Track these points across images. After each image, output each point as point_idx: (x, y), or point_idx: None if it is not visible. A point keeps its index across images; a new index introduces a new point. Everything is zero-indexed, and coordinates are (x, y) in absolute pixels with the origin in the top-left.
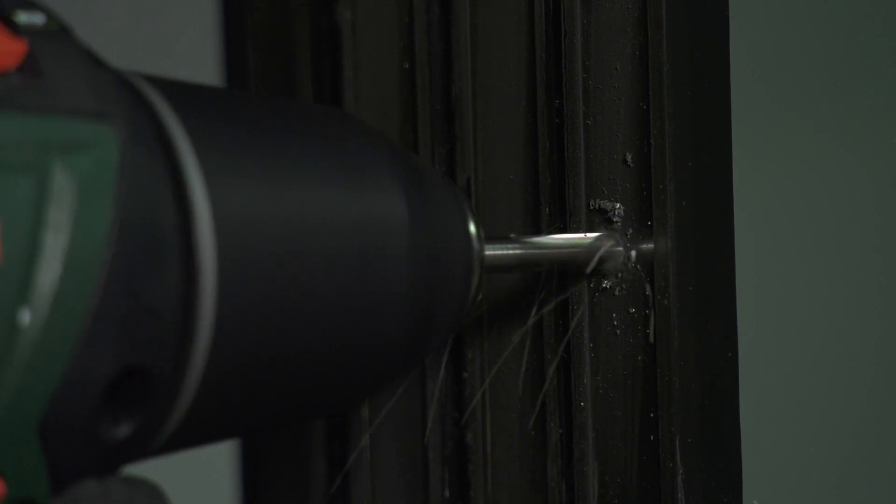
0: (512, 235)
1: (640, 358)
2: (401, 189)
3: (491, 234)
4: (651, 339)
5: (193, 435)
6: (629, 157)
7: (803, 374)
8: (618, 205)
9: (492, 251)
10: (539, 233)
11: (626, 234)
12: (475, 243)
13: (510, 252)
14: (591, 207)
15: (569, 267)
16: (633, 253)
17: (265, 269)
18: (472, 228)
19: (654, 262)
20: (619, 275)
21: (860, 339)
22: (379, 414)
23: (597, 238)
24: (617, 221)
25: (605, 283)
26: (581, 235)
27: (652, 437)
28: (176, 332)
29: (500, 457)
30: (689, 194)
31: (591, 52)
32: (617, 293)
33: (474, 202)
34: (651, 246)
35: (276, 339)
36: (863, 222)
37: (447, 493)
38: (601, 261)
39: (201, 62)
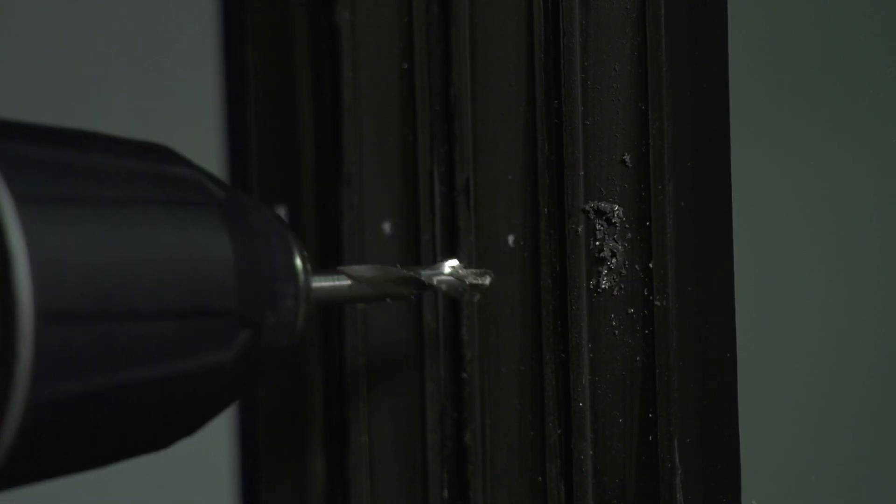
0: (340, 268)
1: (638, 358)
2: (223, 226)
3: (318, 269)
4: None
5: (15, 478)
6: (628, 158)
7: (802, 374)
8: (616, 206)
9: (319, 284)
10: (537, 230)
11: (466, 266)
12: (301, 277)
13: (337, 284)
14: (590, 208)
15: (400, 300)
16: (474, 283)
17: (85, 312)
18: (298, 263)
19: (654, 263)
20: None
21: (859, 339)
22: (378, 414)
23: (429, 270)
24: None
25: (604, 284)
26: (413, 269)
27: (651, 438)
28: None
29: (499, 457)
30: (688, 195)
31: (590, 53)
32: (615, 293)
33: (473, 203)
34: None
35: (96, 382)
36: (862, 222)
37: (446, 494)
38: (440, 291)
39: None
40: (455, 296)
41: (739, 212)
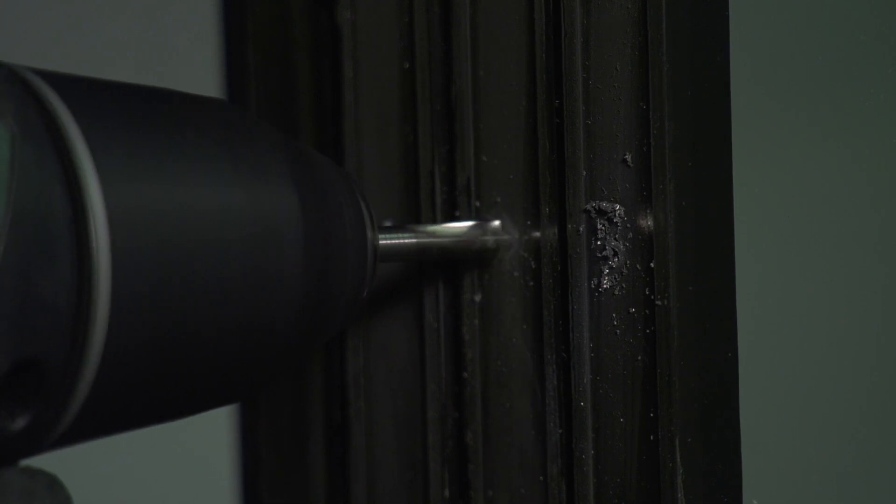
0: (405, 225)
1: (639, 358)
2: (292, 180)
3: (384, 224)
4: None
5: (91, 427)
6: (629, 158)
7: (803, 374)
8: (617, 205)
9: (385, 240)
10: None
11: (525, 223)
12: (368, 232)
13: (403, 241)
14: (591, 208)
15: (462, 255)
16: (525, 240)
17: (158, 260)
18: (366, 218)
19: (655, 263)
20: (516, 262)
21: (859, 339)
22: (379, 413)
23: (483, 226)
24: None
25: (606, 283)
26: (471, 224)
27: (652, 437)
28: (70, 325)
29: (500, 456)
30: (689, 194)
31: (591, 53)
32: (617, 293)
33: (474, 202)
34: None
35: (171, 327)
36: (863, 223)
37: (447, 493)
38: (495, 249)
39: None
40: (511, 255)
41: (740, 211)
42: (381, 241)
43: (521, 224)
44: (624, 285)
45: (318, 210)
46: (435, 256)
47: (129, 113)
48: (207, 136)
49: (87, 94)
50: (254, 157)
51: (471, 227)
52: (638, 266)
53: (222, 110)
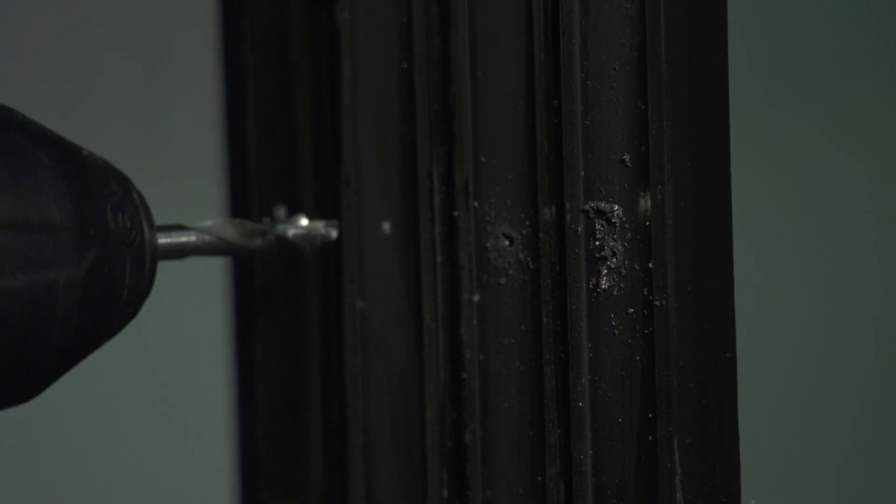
0: (187, 224)
1: (638, 358)
2: (64, 184)
3: (163, 224)
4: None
5: None
6: (627, 158)
7: (802, 374)
8: (616, 206)
9: (164, 239)
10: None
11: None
12: (146, 231)
13: (182, 240)
14: (590, 208)
15: (250, 255)
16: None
17: None
18: (142, 217)
19: (653, 263)
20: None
21: (859, 339)
22: (377, 414)
23: (244, 224)
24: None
25: (604, 283)
26: (267, 223)
27: (650, 438)
28: None
29: (498, 457)
30: (688, 194)
31: (590, 53)
32: (615, 293)
33: (473, 202)
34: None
35: None
36: (862, 222)
37: (445, 493)
38: (293, 245)
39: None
40: (304, 247)
41: (739, 211)
42: (160, 241)
43: (519, 224)
44: (622, 286)
45: (92, 213)
46: (212, 253)
47: None
48: None
49: None
50: (22, 159)
51: (255, 227)
52: (636, 266)
53: None
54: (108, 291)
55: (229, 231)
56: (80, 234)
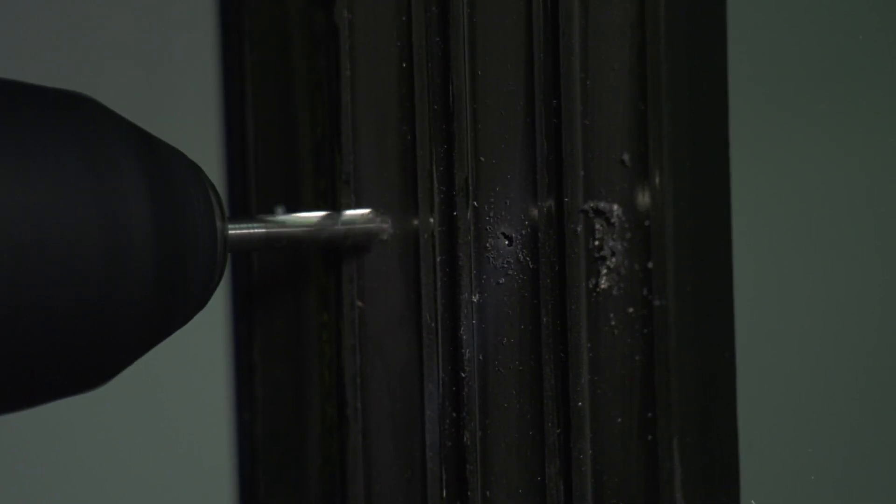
0: (257, 215)
1: (637, 358)
2: (140, 170)
3: (236, 214)
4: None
5: None
6: (627, 158)
7: (801, 374)
8: (615, 205)
9: (235, 230)
10: (536, 230)
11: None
12: (217, 222)
13: (254, 231)
14: (589, 208)
15: (325, 245)
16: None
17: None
18: (215, 208)
19: (653, 263)
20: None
21: (858, 339)
22: (376, 413)
23: (335, 216)
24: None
25: (603, 283)
26: (322, 214)
27: (650, 438)
28: None
29: (497, 457)
30: (687, 194)
31: (589, 52)
32: (615, 293)
33: (472, 201)
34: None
35: (23, 302)
36: (861, 222)
37: (445, 493)
38: (363, 238)
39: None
40: (364, 242)
41: (738, 211)
42: (230, 231)
43: (518, 224)
44: (622, 285)
45: (168, 199)
46: (285, 246)
47: None
48: (49, 125)
49: None
50: (101, 147)
51: (322, 217)
52: (636, 266)
53: (68, 99)
54: (181, 282)
55: (298, 222)
56: (156, 225)
